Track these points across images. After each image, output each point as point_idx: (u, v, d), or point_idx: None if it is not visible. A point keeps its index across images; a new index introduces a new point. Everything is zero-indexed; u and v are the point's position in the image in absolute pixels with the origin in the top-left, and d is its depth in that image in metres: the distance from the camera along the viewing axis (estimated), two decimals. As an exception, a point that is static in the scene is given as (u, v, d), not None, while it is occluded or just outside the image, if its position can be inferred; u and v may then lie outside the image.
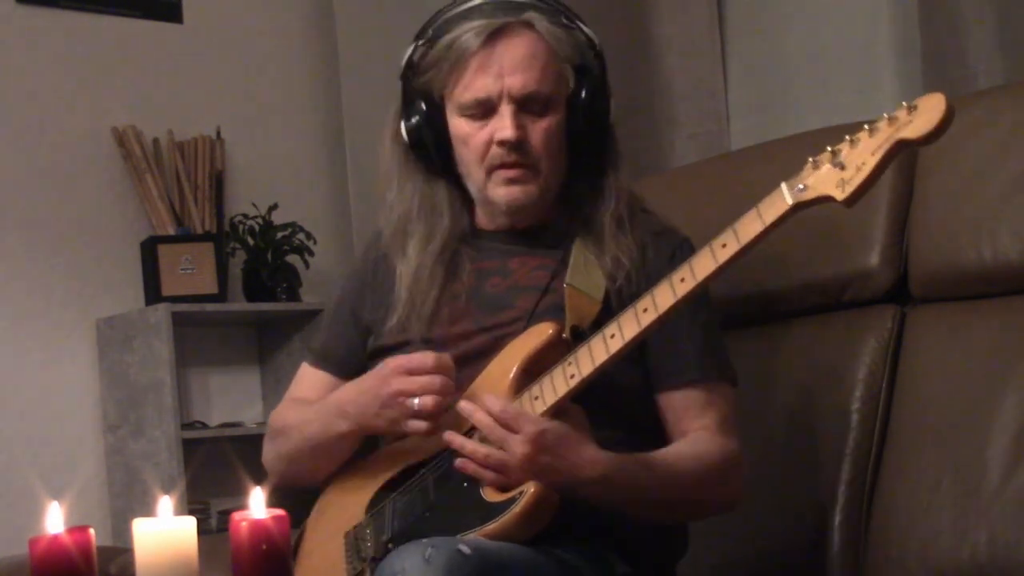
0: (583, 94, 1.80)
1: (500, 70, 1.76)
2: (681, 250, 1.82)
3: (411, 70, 1.84)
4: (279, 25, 3.71)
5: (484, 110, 1.77)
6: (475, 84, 1.77)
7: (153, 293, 3.29)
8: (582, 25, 1.83)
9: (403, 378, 1.67)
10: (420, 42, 1.82)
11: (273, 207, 3.49)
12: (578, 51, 1.81)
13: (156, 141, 3.42)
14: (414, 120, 1.83)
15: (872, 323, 2.04)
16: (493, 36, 1.76)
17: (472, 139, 1.79)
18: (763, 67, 3.04)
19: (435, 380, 1.65)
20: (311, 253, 3.50)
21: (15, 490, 3.12)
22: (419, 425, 1.67)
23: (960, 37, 2.47)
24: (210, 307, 3.29)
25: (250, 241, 3.46)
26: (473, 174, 1.81)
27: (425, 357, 1.67)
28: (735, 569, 2.04)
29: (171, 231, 3.33)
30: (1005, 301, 1.92)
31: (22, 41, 3.29)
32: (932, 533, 1.82)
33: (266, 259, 3.45)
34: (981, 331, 1.92)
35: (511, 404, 1.59)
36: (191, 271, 3.30)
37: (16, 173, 3.25)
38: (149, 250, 3.32)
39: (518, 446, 1.55)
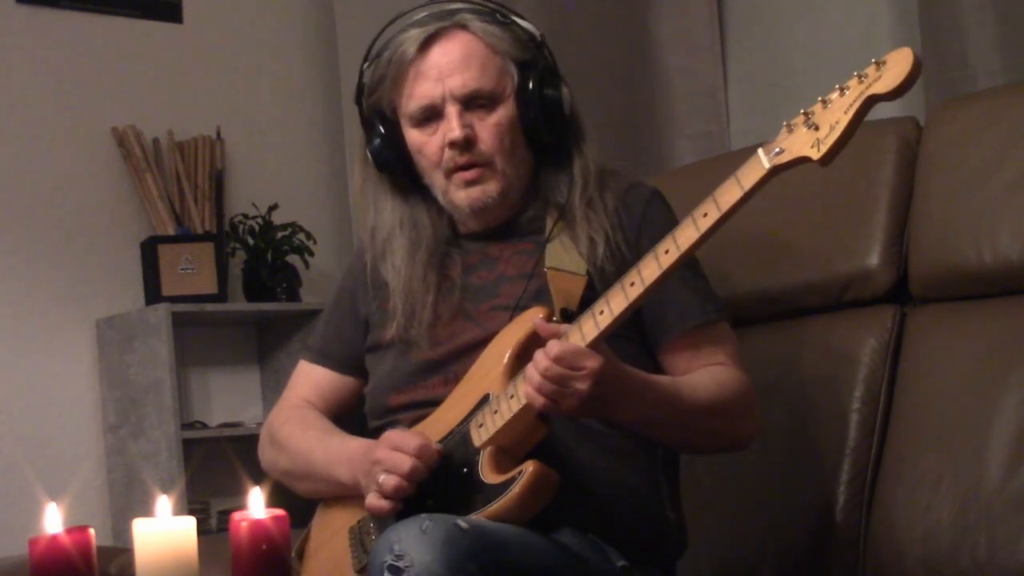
0: (530, 86, 1.80)
1: (439, 73, 1.78)
2: (652, 202, 1.85)
3: (362, 93, 1.87)
4: (279, 25, 3.71)
5: (431, 115, 1.80)
6: (417, 92, 1.79)
7: (153, 293, 3.29)
8: (518, 20, 1.84)
9: (386, 450, 1.67)
10: (365, 64, 1.85)
11: (273, 207, 3.49)
12: (518, 46, 1.82)
13: (156, 141, 3.42)
14: (375, 142, 1.85)
15: (872, 323, 2.04)
16: (428, 42, 1.79)
17: (426, 147, 1.81)
18: (763, 67, 3.04)
19: (405, 461, 1.64)
20: (311, 253, 3.50)
21: (15, 490, 3.12)
22: (379, 503, 1.66)
23: (960, 37, 2.47)
24: (210, 307, 3.29)
25: (250, 241, 3.46)
26: (435, 182, 1.83)
27: (410, 438, 1.66)
28: (735, 568, 2.04)
29: (171, 231, 3.33)
30: (1005, 301, 1.92)
31: (22, 41, 3.29)
32: (932, 533, 1.82)
33: (266, 259, 3.45)
34: (981, 331, 1.92)
35: (569, 344, 1.57)
36: (191, 271, 3.30)
37: (16, 173, 3.25)
38: (149, 250, 3.32)
39: (580, 382, 1.55)
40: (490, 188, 1.80)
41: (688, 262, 1.79)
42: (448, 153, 1.79)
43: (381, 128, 1.84)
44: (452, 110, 1.77)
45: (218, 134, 3.50)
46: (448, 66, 1.78)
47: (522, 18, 1.85)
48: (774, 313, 2.17)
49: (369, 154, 1.87)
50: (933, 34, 2.53)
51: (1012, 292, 1.91)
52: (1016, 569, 1.72)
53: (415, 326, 1.82)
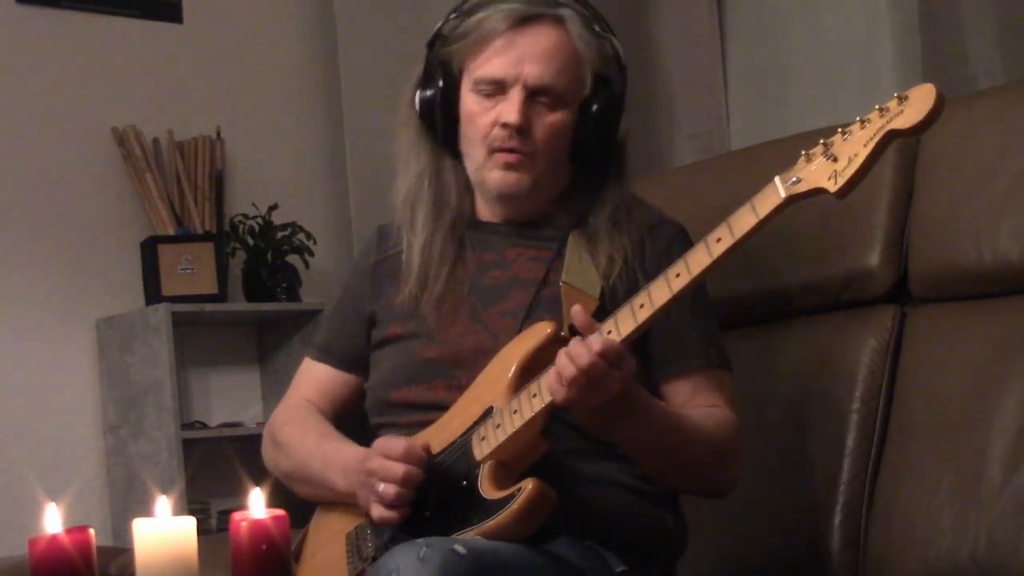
0: (597, 102, 1.81)
1: (521, 56, 1.78)
2: (677, 240, 1.84)
3: (438, 40, 1.86)
4: (279, 25, 3.71)
5: (495, 90, 1.79)
6: (493, 62, 1.79)
7: (153, 293, 3.29)
8: (613, 39, 1.84)
9: (378, 459, 1.67)
10: (453, 15, 1.85)
11: (273, 207, 3.48)
12: (603, 60, 1.82)
13: (156, 141, 3.42)
14: (429, 92, 1.85)
15: (872, 323, 2.04)
16: (523, 22, 1.79)
17: (478, 117, 1.81)
18: (763, 67, 3.04)
19: (398, 469, 1.64)
20: (311, 253, 3.49)
21: (15, 490, 3.12)
22: (384, 513, 1.66)
23: (960, 37, 2.47)
24: (210, 307, 3.29)
25: (250, 241, 3.46)
26: (473, 153, 1.83)
27: (395, 444, 1.66)
28: (735, 569, 2.04)
29: (171, 231, 3.33)
30: (1005, 301, 1.92)
31: (22, 41, 3.29)
32: (932, 533, 1.82)
33: (266, 259, 3.45)
34: (981, 331, 1.92)
35: (612, 342, 1.55)
36: (191, 271, 3.30)
37: (16, 173, 3.25)
38: (149, 250, 3.31)
39: (615, 382, 1.54)
40: (524, 178, 1.80)
41: (704, 301, 1.81)
42: (498, 132, 1.78)
43: (441, 80, 1.84)
44: (517, 95, 1.77)
45: (218, 134, 3.50)
46: (532, 53, 1.78)
47: (616, 37, 1.85)
48: (774, 313, 2.17)
49: (417, 99, 1.87)
50: (933, 34, 2.53)
51: (1012, 292, 1.91)
52: (1016, 569, 1.71)
53: (425, 296, 1.82)
